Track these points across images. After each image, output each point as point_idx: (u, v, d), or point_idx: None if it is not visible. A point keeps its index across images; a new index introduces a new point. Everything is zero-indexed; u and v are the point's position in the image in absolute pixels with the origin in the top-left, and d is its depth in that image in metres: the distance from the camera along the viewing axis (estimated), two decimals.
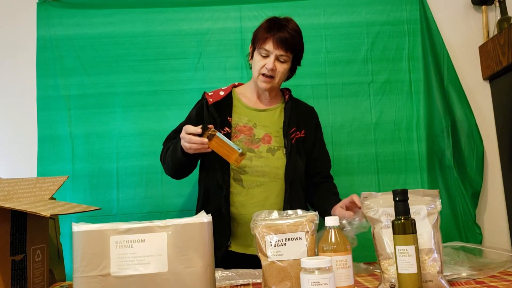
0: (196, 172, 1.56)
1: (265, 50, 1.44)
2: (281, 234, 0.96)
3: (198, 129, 1.32)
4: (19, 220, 1.05)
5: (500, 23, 2.05)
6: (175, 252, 0.88)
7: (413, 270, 0.90)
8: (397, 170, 2.02)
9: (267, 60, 1.44)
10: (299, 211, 1.01)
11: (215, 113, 1.50)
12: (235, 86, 1.63)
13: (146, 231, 0.89)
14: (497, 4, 2.09)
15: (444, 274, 1.00)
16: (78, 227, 0.89)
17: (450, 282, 1.02)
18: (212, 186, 1.47)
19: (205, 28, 2.10)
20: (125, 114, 2.03)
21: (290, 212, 1.01)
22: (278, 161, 1.47)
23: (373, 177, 2.01)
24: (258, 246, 0.97)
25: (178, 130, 1.47)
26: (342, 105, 2.06)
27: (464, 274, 1.06)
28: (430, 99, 2.07)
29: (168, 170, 1.53)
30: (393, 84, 2.08)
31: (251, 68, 1.55)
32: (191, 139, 1.31)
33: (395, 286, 0.95)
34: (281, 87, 1.60)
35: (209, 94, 1.56)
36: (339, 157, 2.00)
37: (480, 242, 1.95)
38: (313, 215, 0.98)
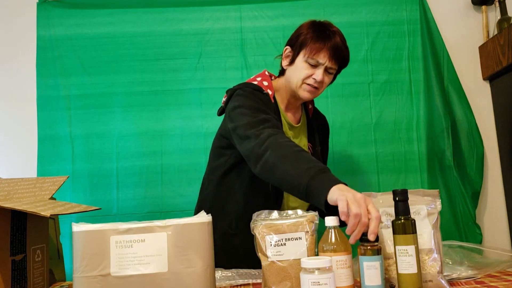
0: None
1: (317, 60, 1.30)
2: (281, 234, 0.96)
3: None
4: (19, 220, 1.05)
5: (500, 23, 2.05)
6: (175, 252, 0.88)
7: (413, 270, 0.90)
8: (397, 170, 2.02)
9: (316, 70, 1.31)
10: (299, 211, 1.01)
11: (278, 113, 1.35)
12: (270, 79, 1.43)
13: (146, 231, 0.89)
14: (497, 4, 2.08)
15: (444, 274, 1.00)
16: (78, 227, 0.89)
17: (450, 282, 1.02)
18: (252, 195, 1.33)
19: (205, 28, 2.10)
20: (125, 114, 2.03)
21: (290, 212, 1.01)
22: None
23: (373, 177, 2.01)
24: (258, 246, 0.97)
25: (265, 119, 1.20)
26: (342, 105, 2.06)
27: (464, 274, 1.06)
28: (430, 99, 2.07)
29: (260, 172, 1.14)
30: (393, 84, 2.08)
31: (282, 73, 1.41)
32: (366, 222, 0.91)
33: (395, 286, 0.95)
34: None
35: (265, 84, 1.34)
36: (339, 157, 2.00)
37: (480, 242, 1.95)
38: (313, 215, 0.98)
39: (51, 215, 0.93)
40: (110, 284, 0.86)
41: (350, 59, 1.40)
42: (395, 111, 2.06)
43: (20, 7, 2.13)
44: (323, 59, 1.30)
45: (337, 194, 0.95)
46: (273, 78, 1.45)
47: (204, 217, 0.92)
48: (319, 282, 0.79)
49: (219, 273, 1.15)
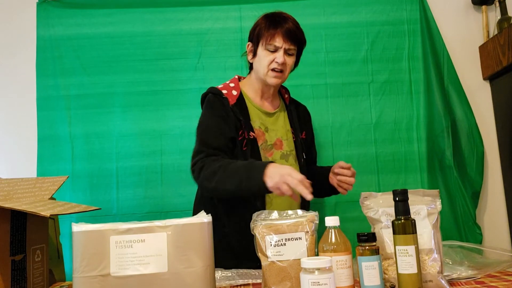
0: None
1: (274, 45, 1.41)
2: (281, 234, 0.96)
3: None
4: (19, 220, 1.05)
5: (500, 23, 2.05)
6: (175, 252, 0.88)
7: (413, 270, 0.90)
8: (397, 170, 2.02)
9: (276, 54, 1.41)
10: (299, 211, 1.01)
11: (239, 115, 1.43)
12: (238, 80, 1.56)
13: (146, 231, 0.89)
14: (497, 4, 2.08)
15: (444, 274, 1.00)
16: (78, 227, 0.88)
17: (450, 282, 1.02)
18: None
19: (205, 28, 2.10)
20: (125, 114, 2.03)
21: (290, 212, 1.01)
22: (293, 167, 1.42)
23: (373, 177, 2.01)
24: (258, 246, 0.97)
25: (217, 135, 1.38)
26: (342, 105, 2.06)
27: (464, 274, 1.06)
28: (430, 99, 2.07)
29: (213, 192, 1.36)
30: (393, 84, 2.08)
31: (251, 68, 1.53)
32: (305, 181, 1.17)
33: (395, 286, 0.95)
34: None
35: (224, 92, 1.46)
36: (339, 157, 2.00)
37: (480, 242, 1.95)
38: (313, 215, 0.98)
39: (51, 215, 0.93)
40: (110, 284, 0.86)
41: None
42: (395, 111, 2.06)
43: (20, 7, 2.12)
44: (279, 42, 1.41)
45: (270, 184, 1.20)
46: (241, 79, 1.58)
47: (204, 217, 0.92)
48: (319, 282, 0.79)
49: (219, 273, 1.15)
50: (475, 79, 2.13)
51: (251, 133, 1.42)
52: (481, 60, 2.13)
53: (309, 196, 1.15)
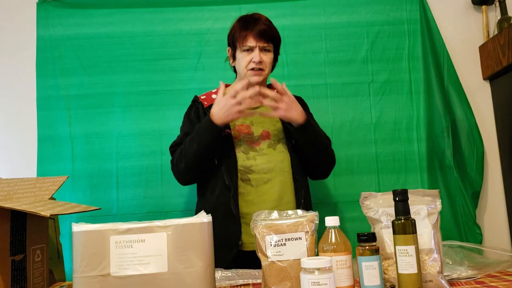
0: None
1: (248, 46, 1.47)
2: (281, 234, 0.96)
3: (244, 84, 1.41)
4: (19, 220, 1.05)
5: (500, 23, 2.05)
6: (175, 252, 0.88)
7: (413, 270, 0.90)
8: (397, 170, 2.02)
9: (253, 54, 1.48)
10: (299, 211, 1.01)
11: None
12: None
13: (146, 231, 0.89)
14: (497, 4, 2.08)
15: (444, 274, 1.00)
16: (78, 227, 0.88)
17: (450, 282, 1.02)
18: (220, 187, 1.46)
19: (205, 28, 2.10)
20: (125, 114, 2.03)
21: (290, 212, 1.01)
22: (280, 155, 1.50)
23: (373, 177, 2.01)
24: (258, 246, 0.97)
25: (185, 134, 1.49)
26: (342, 105, 2.06)
27: (464, 274, 1.06)
28: (430, 99, 2.07)
29: (186, 166, 1.46)
30: (393, 84, 2.08)
31: (235, 71, 1.58)
32: (245, 94, 1.38)
33: (395, 286, 0.95)
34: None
35: (202, 97, 1.58)
36: (339, 157, 1.98)
37: (480, 242, 1.95)
38: (313, 215, 0.99)
39: (51, 215, 0.93)
40: (110, 284, 0.86)
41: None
42: (395, 111, 2.06)
43: (20, 7, 2.12)
44: (252, 42, 1.47)
45: (219, 120, 1.40)
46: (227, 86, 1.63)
47: (204, 217, 0.92)
48: (319, 282, 0.79)
49: (219, 273, 1.15)
50: (475, 79, 2.13)
51: (226, 130, 1.48)
52: (481, 60, 2.13)
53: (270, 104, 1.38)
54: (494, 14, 2.12)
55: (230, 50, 1.56)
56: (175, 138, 1.56)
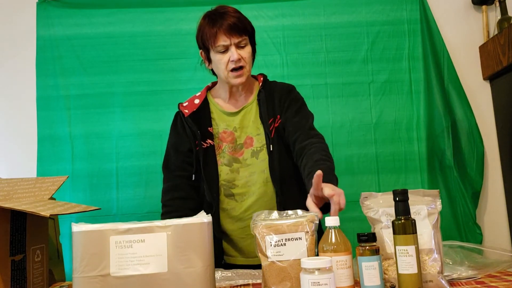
0: None
1: (222, 45, 1.32)
2: (281, 234, 0.96)
3: None
4: (19, 220, 1.05)
5: (500, 23, 2.05)
6: (175, 252, 0.88)
7: (413, 270, 0.90)
8: (397, 170, 2.02)
9: (229, 53, 1.33)
10: (299, 211, 1.01)
11: (194, 126, 1.40)
12: (209, 88, 1.51)
13: (146, 231, 0.89)
14: (498, 4, 2.08)
15: (445, 274, 1.00)
16: (78, 227, 0.88)
17: (450, 282, 1.02)
18: (206, 202, 1.40)
19: None
20: (125, 114, 2.03)
21: (290, 212, 1.01)
22: (263, 164, 1.38)
23: (373, 177, 2.01)
24: (258, 246, 0.97)
25: (174, 153, 1.44)
26: (342, 105, 2.06)
27: (464, 274, 1.06)
28: (430, 99, 2.07)
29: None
30: (393, 84, 2.08)
31: (213, 74, 1.45)
32: None
33: (395, 286, 0.95)
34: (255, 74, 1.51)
35: (184, 105, 1.45)
36: (339, 157, 2.00)
37: (480, 242, 1.95)
38: (313, 215, 0.98)
39: (50, 215, 0.93)
40: (109, 284, 0.86)
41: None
42: (395, 111, 2.06)
43: (20, 7, 2.12)
44: (225, 41, 1.32)
45: None
46: (210, 85, 1.52)
47: (204, 217, 0.92)
48: (319, 283, 0.79)
49: (219, 273, 1.15)
50: (475, 79, 2.13)
51: (208, 141, 1.40)
52: (481, 60, 2.13)
53: None
54: (494, 14, 2.12)
55: (202, 52, 1.41)
56: None
